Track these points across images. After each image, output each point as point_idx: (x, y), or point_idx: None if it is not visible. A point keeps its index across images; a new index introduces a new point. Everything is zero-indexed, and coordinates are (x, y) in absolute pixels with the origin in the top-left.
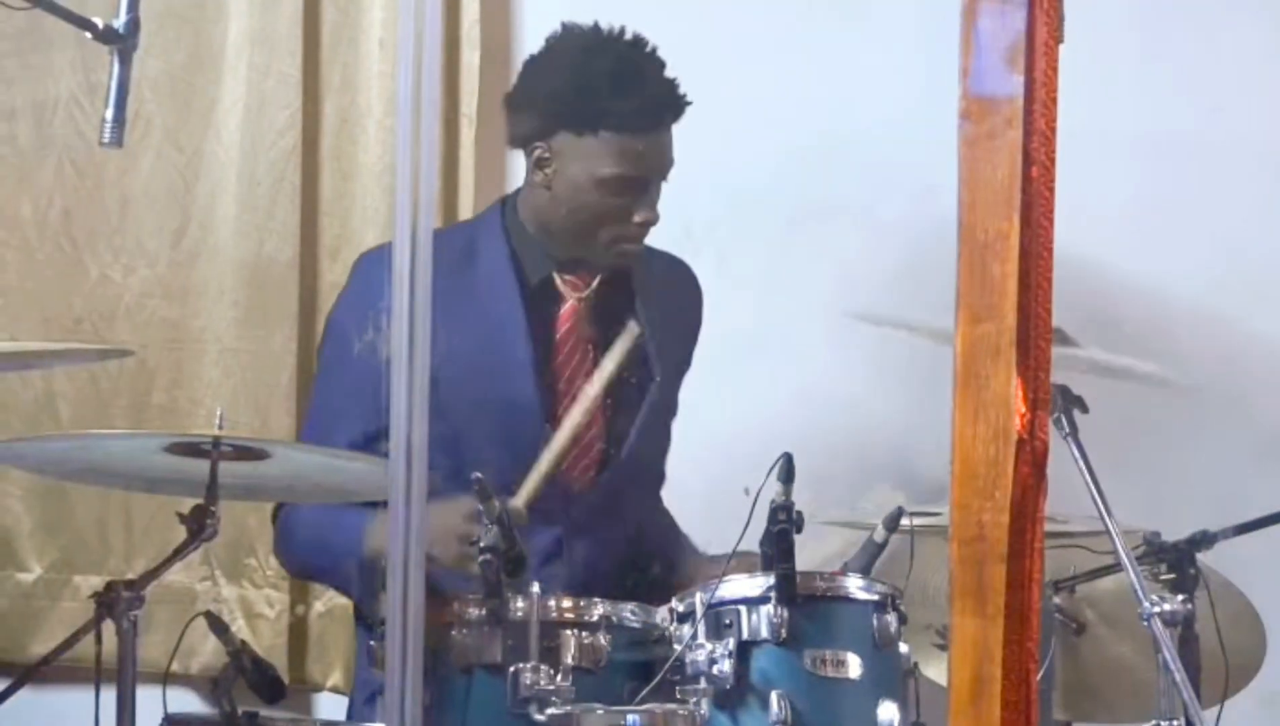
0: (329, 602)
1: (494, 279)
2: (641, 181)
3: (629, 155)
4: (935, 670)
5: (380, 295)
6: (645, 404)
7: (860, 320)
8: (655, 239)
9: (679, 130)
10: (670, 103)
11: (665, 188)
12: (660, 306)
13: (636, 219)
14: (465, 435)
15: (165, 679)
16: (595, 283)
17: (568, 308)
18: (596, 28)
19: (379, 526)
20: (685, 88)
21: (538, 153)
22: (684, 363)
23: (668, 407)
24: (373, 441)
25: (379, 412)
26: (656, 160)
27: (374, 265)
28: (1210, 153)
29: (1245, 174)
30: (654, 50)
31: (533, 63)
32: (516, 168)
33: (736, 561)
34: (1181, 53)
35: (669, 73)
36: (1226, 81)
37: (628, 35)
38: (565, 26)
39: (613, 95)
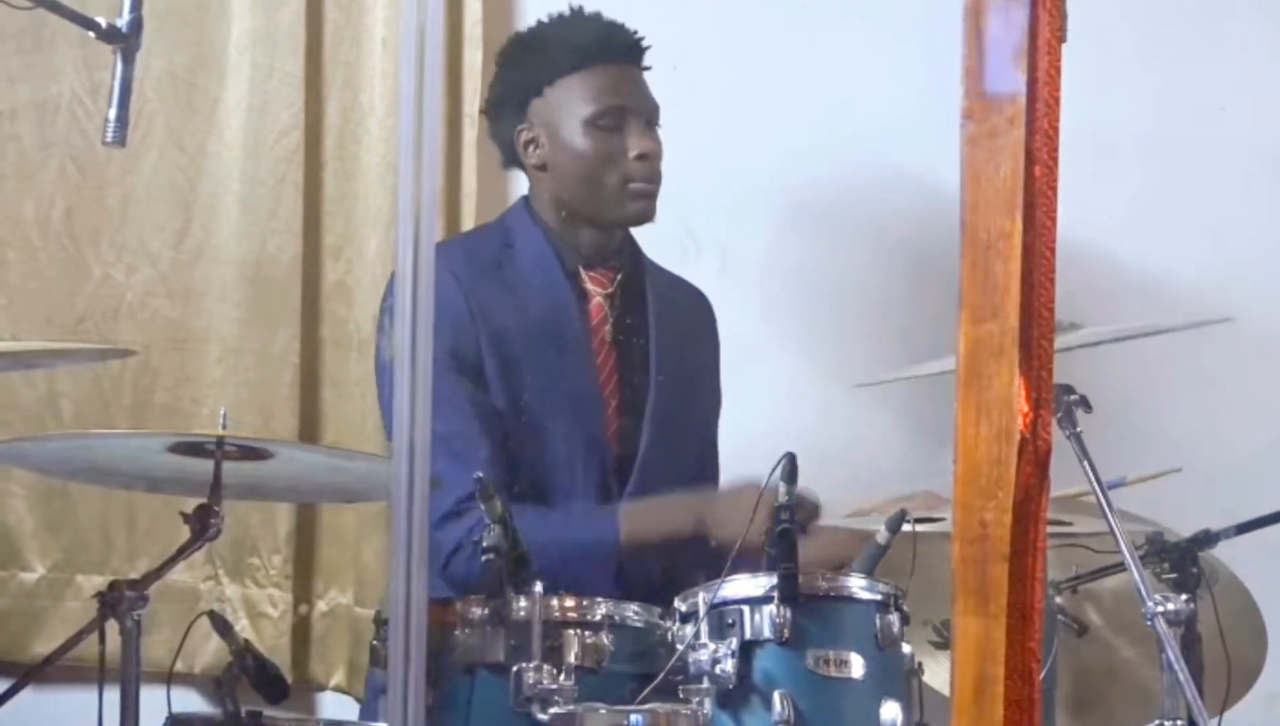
0: (332, 602)
1: (539, 263)
2: (620, 110)
3: (600, 88)
4: (931, 671)
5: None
6: (648, 409)
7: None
8: (657, 237)
9: (683, 134)
10: (622, 37)
11: (668, 188)
12: (672, 317)
13: (633, 152)
14: (532, 410)
15: (169, 678)
16: (618, 280)
17: (594, 304)
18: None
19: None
20: (682, 78)
21: (523, 135)
22: (708, 385)
23: (687, 419)
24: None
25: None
26: (630, 89)
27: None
28: (1216, 153)
29: (1252, 174)
30: (597, 13)
31: (492, 76)
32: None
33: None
34: (1187, 53)
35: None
36: (1233, 82)
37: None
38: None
39: (563, 41)
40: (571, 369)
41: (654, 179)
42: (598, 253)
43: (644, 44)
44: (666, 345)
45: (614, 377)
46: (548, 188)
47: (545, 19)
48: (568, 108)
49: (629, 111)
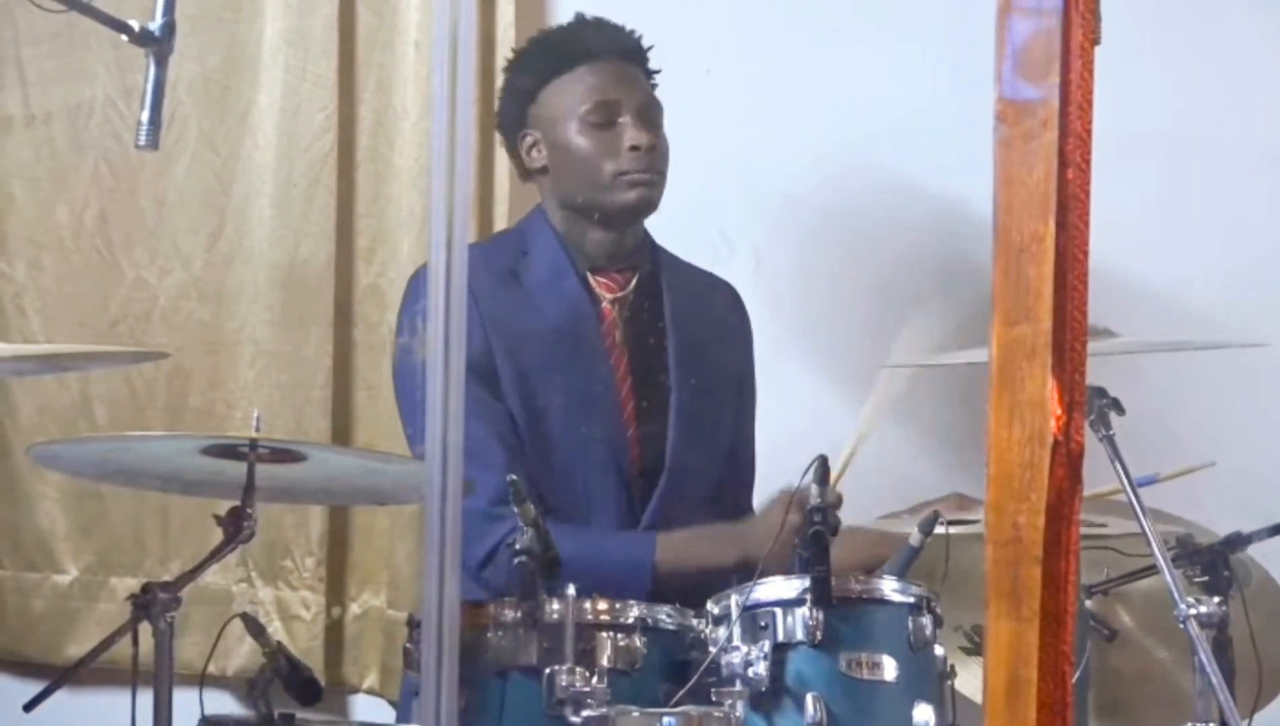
0: (365, 605)
1: (553, 268)
2: (611, 104)
3: (591, 85)
4: (962, 678)
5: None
6: (672, 410)
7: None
8: (690, 239)
9: (714, 137)
10: (612, 37)
11: (699, 192)
12: (692, 315)
13: (626, 144)
14: (551, 412)
15: (202, 680)
16: (633, 283)
17: (604, 308)
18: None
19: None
20: (713, 81)
21: (526, 141)
22: (739, 383)
23: (715, 419)
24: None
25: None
26: (621, 85)
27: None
28: (1238, 154)
29: (1274, 175)
30: (599, 18)
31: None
32: None
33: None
34: (1206, 53)
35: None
36: (1257, 83)
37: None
38: None
39: (560, 44)
40: (588, 373)
41: (650, 168)
42: (608, 256)
43: (643, 44)
44: (689, 345)
45: (629, 381)
46: (553, 189)
47: (537, 32)
48: (561, 107)
49: (621, 106)
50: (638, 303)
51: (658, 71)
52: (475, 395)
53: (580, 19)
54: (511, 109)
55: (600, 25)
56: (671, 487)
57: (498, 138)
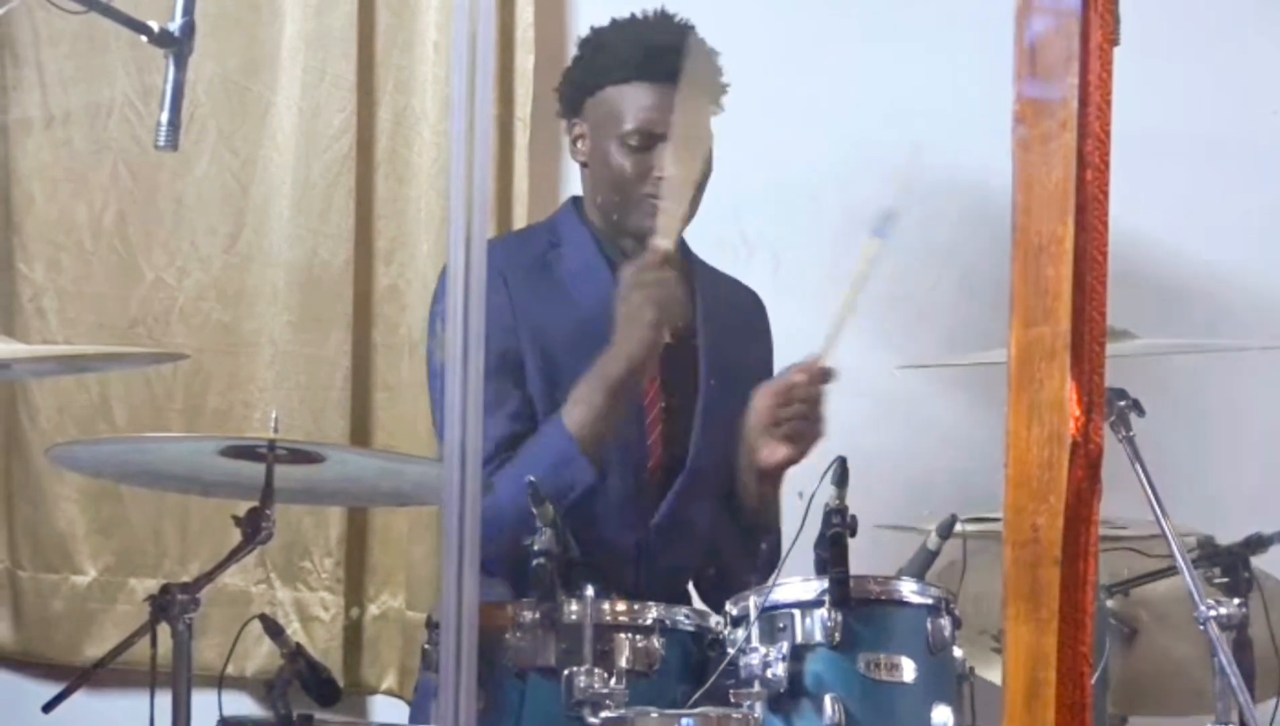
0: (383, 606)
1: (585, 263)
2: (659, 134)
3: (640, 107)
4: (994, 674)
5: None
6: (699, 410)
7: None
8: (710, 238)
9: (734, 136)
10: (691, 57)
11: (719, 192)
12: (722, 318)
13: (656, 174)
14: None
15: (220, 681)
16: None
17: None
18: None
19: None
20: (732, 80)
21: (574, 130)
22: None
23: (736, 421)
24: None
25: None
26: (677, 113)
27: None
28: (1263, 155)
29: None
30: (684, 21)
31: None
32: (570, 171)
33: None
34: (1230, 53)
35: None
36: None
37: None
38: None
39: (624, 49)
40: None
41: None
42: (628, 238)
43: (718, 66)
44: (716, 346)
45: (658, 379)
46: (587, 186)
47: (637, 14)
48: (609, 117)
49: (664, 134)
50: None
51: (728, 85)
52: (495, 387)
53: (662, 22)
54: (570, 92)
55: (671, 39)
56: (689, 486)
57: (515, 136)
